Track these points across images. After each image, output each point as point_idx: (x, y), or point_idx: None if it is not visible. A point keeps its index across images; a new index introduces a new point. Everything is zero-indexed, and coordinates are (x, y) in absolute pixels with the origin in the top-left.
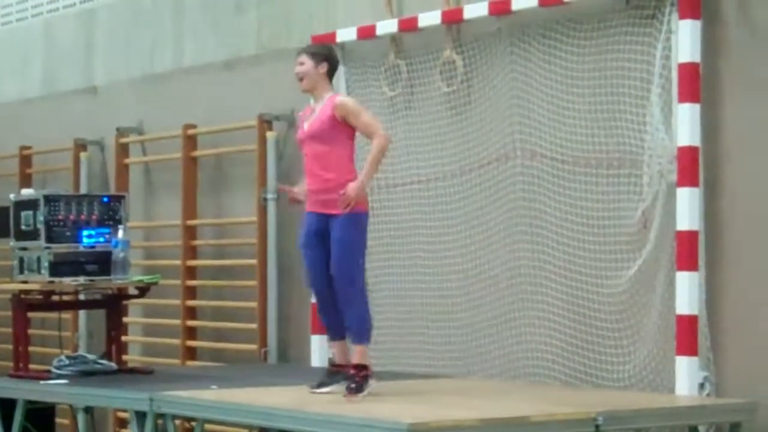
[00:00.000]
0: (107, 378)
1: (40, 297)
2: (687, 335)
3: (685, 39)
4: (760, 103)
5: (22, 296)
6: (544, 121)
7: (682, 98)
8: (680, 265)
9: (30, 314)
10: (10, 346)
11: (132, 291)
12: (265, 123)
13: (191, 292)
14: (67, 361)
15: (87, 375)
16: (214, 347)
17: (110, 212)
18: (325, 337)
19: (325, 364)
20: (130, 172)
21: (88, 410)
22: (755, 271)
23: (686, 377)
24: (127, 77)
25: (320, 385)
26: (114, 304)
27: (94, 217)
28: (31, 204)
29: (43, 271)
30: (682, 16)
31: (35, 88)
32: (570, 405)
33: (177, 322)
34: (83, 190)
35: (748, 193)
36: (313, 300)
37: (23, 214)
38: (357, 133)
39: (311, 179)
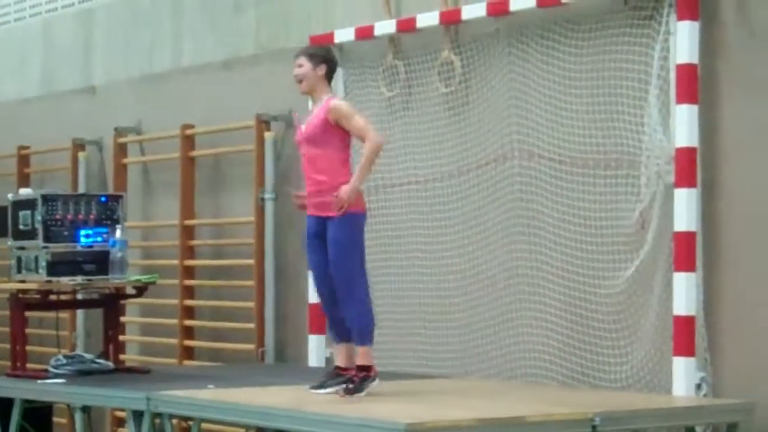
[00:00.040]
0: (104, 377)
1: (38, 296)
2: (684, 336)
3: (683, 40)
4: (758, 104)
5: (20, 295)
6: (542, 121)
7: (680, 99)
8: (678, 266)
9: (27, 313)
10: (8, 346)
11: (129, 290)
12: (263, 123)
13: (189, 292)
14: (64, 361)
15: (84, 374)
16: (212, 347)
17: (108, 212)
18: (322, 337)
19: (323, 363)
20: (128, 172)
21: (85, 409)
22: (753, 272)
23: (683, 378)
24: (126, 77)
25: (320, 385)
26: (111, 304)
27: (91, 216)
28: (29, 203)
29: (40, 271)
30: (680, 17)
31: (33, 87)
32: (567, 405)
33: (174, 321)
34: (81, 190)
35: (745, 194)
36: (313, 301)
37: (21, 213)
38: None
39: (307, 182)
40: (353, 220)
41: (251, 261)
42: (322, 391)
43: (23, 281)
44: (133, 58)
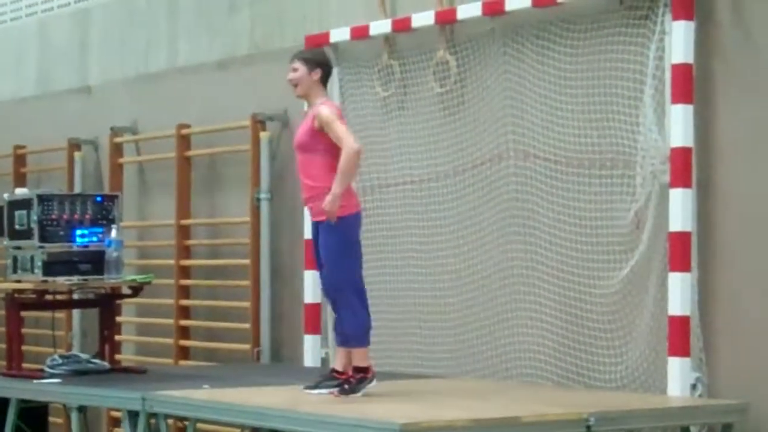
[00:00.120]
0: (100, 377)
1: (34, 296)
2: (679, 336)
3: (679, 40)
4: (753, 104)
5: (16, 295)
6: (537, 121)
7: (676, 99)
8: (673, 266)
9: (23, 313)
10: (4, 345)
11: (125, 290)
12: (259, 123)
13: (184, 292)
14: (60, 361)
15: (80, 374)
16: (207, 347)
17: (103, 212)
18: (318, 337)
19: (318, 363)
20: (124, 172)
21: (81, 409)
22: (748, 272)
23: (678, 378)
24: (122, 77)
25: (315, 386)
26: (107, 304)
27: (87, 216)
28: (24, 203)
29: (36, 271)
30: (675, 17)
31: (30, 87)
32: (562, 405)
33: (170, 321)
34: (77, 190)
35: (740, 193)
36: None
37: (17, 213)
38: None
39: (302, 187)
40: (344, 224)
41: (247, 261)
42: (315, 391)
43: (19, 281)
44: (128, 57)
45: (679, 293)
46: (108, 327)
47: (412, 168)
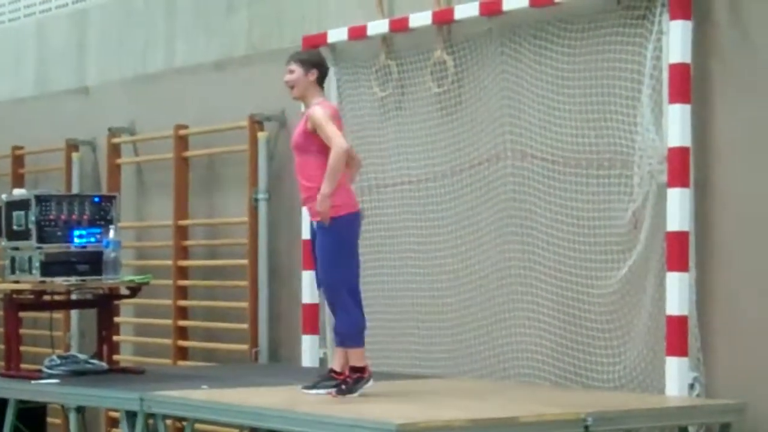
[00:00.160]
0: (98, 378)
1: (32, 297)
2: (677, 336)
3: (676, 39)
4: (750, 104)
5: (14, 296)
6: (534, 121)
7: (673, 99)
8: (670, 266)
9: (21, 314)
10: (2, 346)
11: (123, 291)
12: (256, 123)
13: (182, 292)
14: (58, 361)
15: (78, 375)
16: (206, 347)
17: (101, 212)
18: (316, 337)
19: (316, 364)
20: (122, 173)
21: (79, 410)
22: (745, 272)
23: (676, 378)
24: (119, 77)
25: (313, 386)
26: (105, 304)
27: (85, 217)
28: (22, 204)
29: (34, 271)
30: (673, 17)
31: (27, 88)
32: (559, 405)
33: (168, 322)
34: (75, 190)
35: (738, 193)
36: (306, 301)
37: (15, 214)
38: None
39: (299, 188)
40: (339, 224)
41: (245, 261)
42: (313, 391)
43: (17, 282)
44: (126, 58)
45: (677, 293)
46: (106, 327)
47: (409, 168)
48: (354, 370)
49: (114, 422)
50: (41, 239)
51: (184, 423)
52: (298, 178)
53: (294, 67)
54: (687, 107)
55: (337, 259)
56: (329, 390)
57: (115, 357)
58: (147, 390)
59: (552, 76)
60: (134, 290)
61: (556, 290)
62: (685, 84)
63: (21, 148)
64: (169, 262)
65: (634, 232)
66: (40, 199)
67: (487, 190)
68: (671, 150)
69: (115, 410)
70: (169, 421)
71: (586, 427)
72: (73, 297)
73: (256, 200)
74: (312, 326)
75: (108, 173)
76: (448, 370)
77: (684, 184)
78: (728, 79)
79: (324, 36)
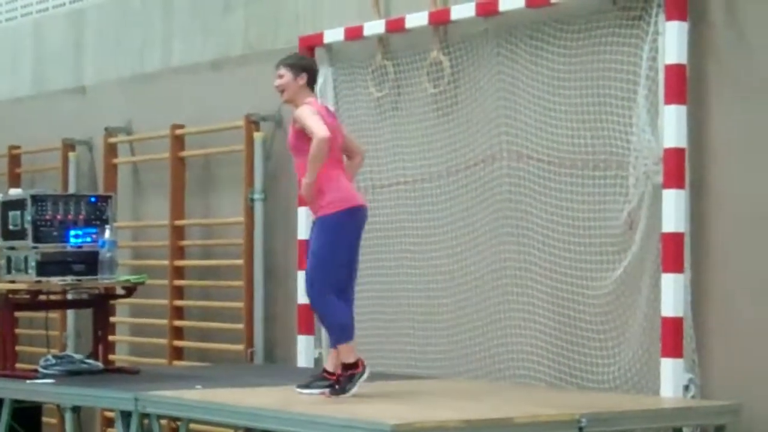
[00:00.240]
0: (93, 377)
1: (28, 296)
2: (672, 337)
3: (672, 40)
4: (746, 105)
5: (10, 296)
6: (530, 122)
7: (669, 100)
8: (666, 267)
9: (17, 314)
10: None
11: (119, 291)
12: (253, 123)
13: (178, 292)
14: (53, 361)
15: (73, 374)
16: (201, 347)
17: (97, 212)
18: (311, 338)
19: (312, 364)
20: (119, 172)
21: (75, 409)
22: (741, 273)
23: (671, 379)
24: (116, 77)
25: (306, 385)
26: (101, 304)
27: (81, 217)
28: (18, 204)
29: (30, 271)
30: (668, 18)
31: (24, 87)
32: (554, 406)
33: (164, 322)
34: (72, 190)
35: (734, 194)
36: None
37: (11, 213)
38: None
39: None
40: (327, 223)
41: (240, 261)
42: (306, 391)
43: (13, 281)
44: (123, 58)
45: (672, 294)
46: (102, 327)
47: (405, 168)
48: (346, 367)
49: (110, 422)
50: (37, 239)
51: (179, 423)
52: (298, 177)
53: (283, 71)
54: (683, 108)
55: (320, 255)
56: (322, 390)
57: (111, 357)
58: (142, 390)
59: (548, 77)
60: (130, 290)
61: (552, 291)
62: (681, 85)
63: (17, 147)
64: (165, 262)
65: (630, 233)
66: (36, 199)
67: (483, 191)
68: (667, 151)
69: (111, 410)
70: (164, 421)
71: (581, 428)
72: (69, 297)
73: (252, 200)
74: (307, 327)
75: (104, 173)
76: (444, 370)
77: (679, 185)
78: (724, 80)
79: (320, 36)
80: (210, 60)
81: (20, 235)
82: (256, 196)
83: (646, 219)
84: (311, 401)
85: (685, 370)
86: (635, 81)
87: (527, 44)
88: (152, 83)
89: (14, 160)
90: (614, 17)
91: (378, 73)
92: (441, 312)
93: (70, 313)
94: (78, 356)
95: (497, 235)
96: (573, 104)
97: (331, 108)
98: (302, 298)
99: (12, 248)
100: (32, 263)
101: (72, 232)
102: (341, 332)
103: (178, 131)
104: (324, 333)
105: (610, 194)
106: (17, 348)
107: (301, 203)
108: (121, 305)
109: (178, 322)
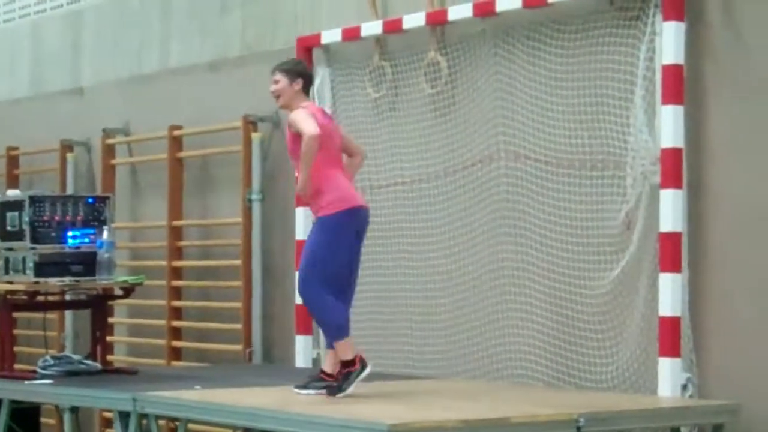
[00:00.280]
0: (92, 378)
1: (26, 297)
2: (670, 337)
3: (669, 40)
4: (743, 105)
5: (8, 297)
6: (528, 122)
7: (666, 100)
8: (663, 267)
9: (15, 314)
10: None
11: (117, 291)
12: (250, 124)
13: (176, 293)
14: (52, 361)
15: (72, 375)
16: (199, 348)
17: (95, 213)
18: (309, 338)
19: (310, 364)
20: (117, 173)
21: (73, 410)
22: (738, 273)
23: (669, 378)
24: (114, 78)
25: (304, 386)
26: (99, 305)
27: (79, 217)
28: (16, 205)
29: (28, 272)
30: (666, 18)
31: (22, 88)
32: (552, 406)
33: (162, 322)
34: (70, 191)
35: (731, 194)
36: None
37: (9, 214)
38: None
39: None
40: (329, 222)
41: (238, 261)
42: (303, 392)
43: (11, 282)
44: (121, 59)
45: (670, 294)
46: (100, 328)
47: (403, 169)
48: (344, 364)
49: (108, 422)
50: (35, 240)
51: (177, 423)
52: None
53: (279, 77)
54: (680, 108)
55: (313, 255)
56: (319, 391)
57: (109, 357)
58: (140, 390)
59: (545, 77)
60: (128, 291)
61: (549, 291)
62: (678, 85)
63: (16, 148)
64: (163, 263)
65: (627, 232)
66: (34, 200)
67: (481, 191)
68: (664, 151)
69: (109, 410)
70: (162, 422)
71: (579, 428)
72: (67, 297)
73: (250, 201)
74: (305, 327)
75: (102, 174)
76: (441, 370)
77: (677, 185)
78: (721, 80)
79: (318, 37)
80: (208, 61)
81: (18, 235)
82: (254, 196)
83: (643, 219)
84: (309, 401)
85: (683, 370)
86: (632, 81)
87: (524, 45)
88: (150, 84)
89: (12, 161)
90: (611, 17)
91: (375, 74)
92: (439, 312)
93: (68, 314)
94: (76, 357)
95: (495, 235)
96: (570, 104)
97: (328, 109)
98: (300, 298)
99: (10, 249)
100: (30, 264)
101: (70, 233)
102: (340, 329)
103: (176, 132)
104: (321, 333)
105: (608, 194)
106: (15, 349)
107: (299, 203)
108: (120, 306)
109: (176, 323)
